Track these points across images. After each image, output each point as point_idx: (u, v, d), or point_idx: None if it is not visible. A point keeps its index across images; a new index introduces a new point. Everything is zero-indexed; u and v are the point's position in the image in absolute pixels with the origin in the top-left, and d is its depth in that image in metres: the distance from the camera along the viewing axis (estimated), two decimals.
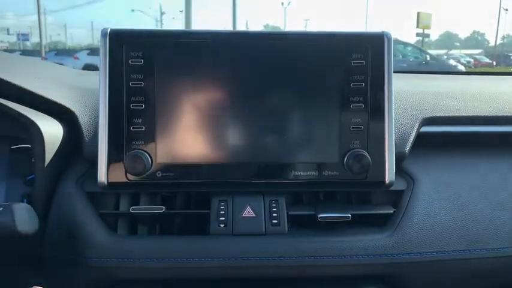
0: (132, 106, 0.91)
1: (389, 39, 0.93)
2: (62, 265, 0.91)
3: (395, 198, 0.97)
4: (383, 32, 0.93)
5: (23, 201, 0.93)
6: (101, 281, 0.90)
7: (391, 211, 0.95)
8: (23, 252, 0.93)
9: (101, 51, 0.90)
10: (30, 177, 0.98)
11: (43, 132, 0.92)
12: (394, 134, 0.94)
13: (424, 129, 1.03)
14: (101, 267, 0.88)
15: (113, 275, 0.89)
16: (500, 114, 1.06)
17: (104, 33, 0.91)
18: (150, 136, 0.91)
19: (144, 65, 0.90)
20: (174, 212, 0.95)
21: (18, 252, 0.94)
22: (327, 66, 0.92)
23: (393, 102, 0.93)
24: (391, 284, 0.93)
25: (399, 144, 0.98)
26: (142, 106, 0.91)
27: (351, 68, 0.92)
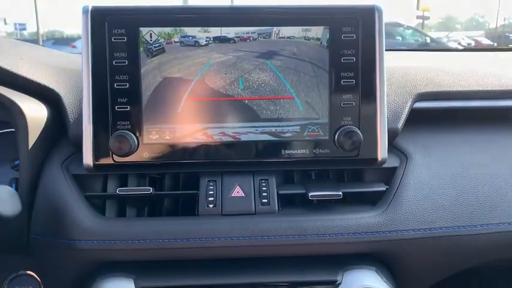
0: (117, 85, 0.89)
1: (380, 12, 0.90)
2: (49, 249, 0.90)
3: (388, 175, 0.95)
4: (374, 5, 0.91)
5: (11, 186, 0.91)
6: (89, 263, 0.88)
7: (384, 188, 0.93)
8: (11, 238, 0.92)
9: (83, 29, 0.88)
10: (18, 162, 0.97)
11: (25, 113, 0.90)
12: (386, 110, 0.92)
13: (418, 105, 1.01)
14: (89, 250, 0.86)
15: (101, 258, 0.88)
16: (495, 89, 1.03)
17: (85, 10, 0.88)
18: (135, 116, 0.89)
19: (127, 42, 0.88)
20: (162, 194, 0.94)
21: (5, 238, 0.92)
22: (316, 40, 0.89)
23: (385, 78, 0.91)
24: (382, 262, 0.91)
25: (392, 121, 0.96)
26: (126, 85, 0.89)
27: (341, 42, 0.89)
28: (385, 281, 0.87)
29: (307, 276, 0.88)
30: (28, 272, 0.96)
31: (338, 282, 0.87)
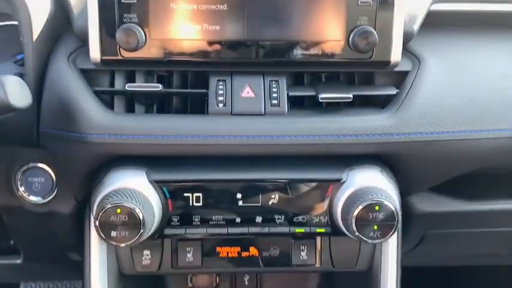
0: None
1: None
2: (60, 142, 0.91)
3: (399, 79, 0.94)
4: None
5: None
6: (100, 157, 0.90)
7: (394, 92, 0.93)
8: (21, 130, 0.93)
9: None
10: (20, 56, 0.94)
11: (28, 5, 0.86)
12: (403, 11, 0.88)
13: (435, 7, 0.97)
14: (100, 144, 0.87)
15: (112, 151, 0.89)
16: None
17: None
18: (143, 9, 0.86)
19: None
20: (171, 92, 0.93)
21: (16, 130, 0.93)
22: None
23: None
24: (387, 163, 0.94)
25: (407, 23, 0.92)
26: None
27: None
28: (388, 181, 0.90)
29: (313, 174, 0.91)
30: (40, 164, 0.99)
31: (343, 181, 0.90)
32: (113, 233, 0.83)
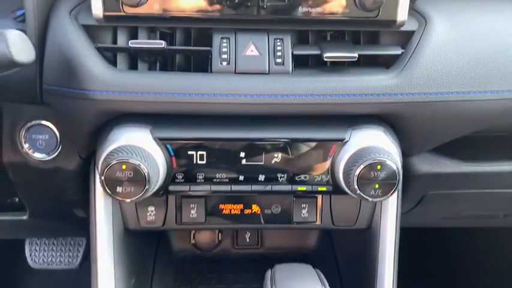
0: None
1: None
2: (64, 99, 0.91)
3: (405, 39, 0.93)
4: None
5: None
6: (104, 114, 0.90)
7: (399, 52, 0.92)
8: (24, 87, 0.92)
9: None
10: (20, 12, 0.92)
11: None
12: None
13: None
14: (103, 101, 0.87)
15: (115, 108, 0.89)
16: None
17: None
18: None
19: None
20: (174, 49, 0.92)
21: (19, 87, 0.92)
22: None
23: None
24: (390, 123, 0.94)
25: None
26: None
27: None
28: (391, 141, 0.91)
29: (316, 134, 0.92)
30: (44, 122, 0.99)
31: (345, 140, 0.91)
32: (119, 189, 0.85)
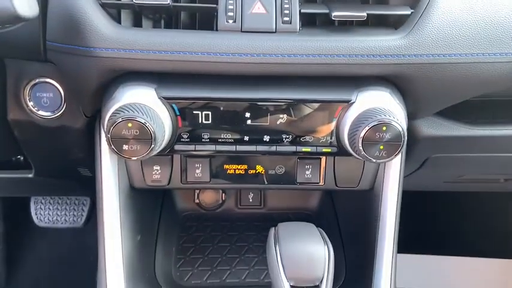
0: None
1: None
2: (67, 57, 0.90)
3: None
4: None
5: None
6: (108, 72, 0.90)
7: (409, 12, 0.90)
8: (27, 43, 0.91)
9: None
10: None
11: None
12: None
13: None
14: (107, 58, 0.86)
15: (120, 66, 0.88)
16: None
17: None
18: None
19: None
20: (180, 6, 0.90)
21: (22, 43, 0.91)
22: None
23: None
24: (397, 85, 0.94)
25: None
26: None
27: None
28: (397, 103, 0.91)
29: (322, 95, 0.91)
30: (48, 79, 0.99)
31: (352, 102, 0.91)
32: (125, 147, 0.85)
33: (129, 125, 0.84)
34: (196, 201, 1.37)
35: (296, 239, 0.85)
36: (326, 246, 0.84)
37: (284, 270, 0.81)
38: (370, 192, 1.09)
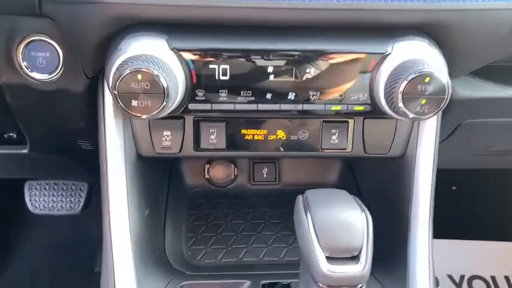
0: None
1: None
2: (66, 8, 0.80)
3: None
4: None
5: None
6: (111, 22, 0.79)
7: None
8: None
9: None
10: None
11: None
12: None
13: None
14: (111, 5, 0.77)
15: (123, 14, 0.78)
16: None
17: None
18: None
19: None
20: None
21: None
22: None
23: None
24: (433, 36, 0.84)
25: None
26: None
27: None
28: (438, 54, 0.81)
29: (355, 46, 0.81)
30: (44, 37, 0.88)
31: (387, 53, 0.81)
32: (134, 103, 0.75)
33: (139, 76, 0.73)
34: (206, 176, 1.26)
35: (329, 205, 0.75)
36: (364, 213, 0.74)
37: (318, 240, 0.71)
38: (401, 161, 0.99)
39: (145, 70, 0.73)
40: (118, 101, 0.75)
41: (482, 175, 1.99)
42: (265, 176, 1.29)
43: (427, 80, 0.76)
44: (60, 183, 2.04)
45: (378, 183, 1.18)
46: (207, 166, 1.26)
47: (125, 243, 0.91)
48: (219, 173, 1.26)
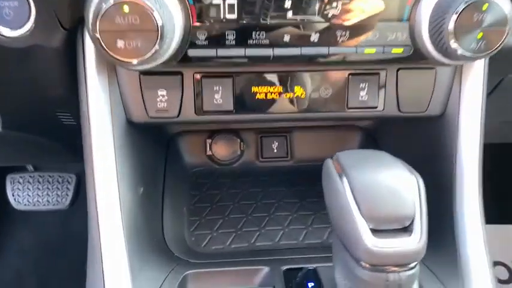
0: None
1: None
2: None
3: None
4: None
5: None
6: None
7: None
8: None
9: None
10: None
11: None
12: None
13: None
14: None
15: None
16: None
17: None
18: None
19: None
20: None
21: None
22: None
23: None
24: None
25: None
26: None
27: None
28: None
29: None
30: None
31: None
32: (119, 43, 0.60)
33: (126, 9, 0.58)
34: (209, 153, 1.10)
35: (369, 166, 0.60)
36: (413, 174, 0.59)
37: (360, 209, 0.56)
38: (441, 121, 0.84)
39: (134, 0, 0.57)
40: (100, 43, 0.60)
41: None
42: (275, 151, 1.13)
43: (485, 6, 0.61)
44: (45, 175, 1.87)
45: (410, 151, 1.02)
46: (208, 141, 1.10)
47: (114, 227, 0.75)
48: (222, 149, 1.10)
